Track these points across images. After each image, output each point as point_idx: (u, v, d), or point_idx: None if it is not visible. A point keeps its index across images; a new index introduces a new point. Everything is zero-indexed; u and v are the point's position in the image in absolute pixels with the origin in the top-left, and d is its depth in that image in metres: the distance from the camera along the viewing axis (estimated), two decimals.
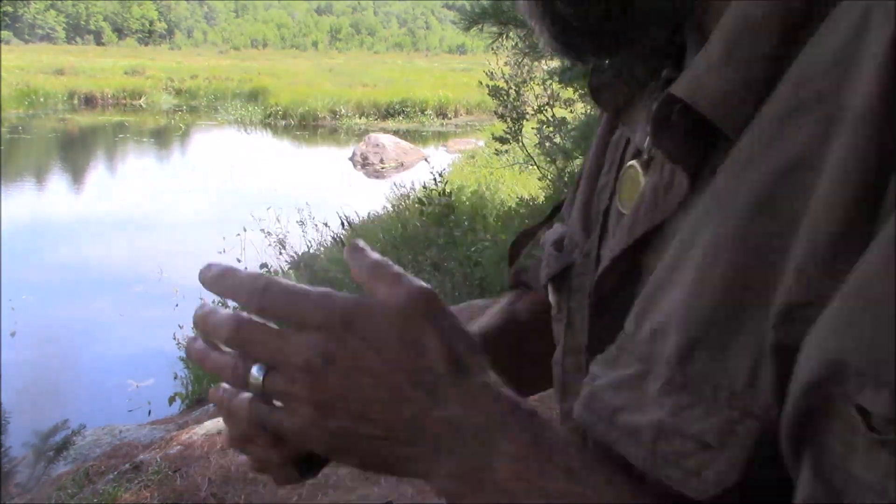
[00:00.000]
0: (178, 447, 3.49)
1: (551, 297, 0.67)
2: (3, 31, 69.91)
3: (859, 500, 0.34)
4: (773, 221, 0.39)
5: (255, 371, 0.44)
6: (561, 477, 0.41)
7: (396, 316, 0.44)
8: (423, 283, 0.45)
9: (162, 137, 23.01)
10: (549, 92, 7.28)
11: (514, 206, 8.10)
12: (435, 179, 7.01)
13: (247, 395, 0.47)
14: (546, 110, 7.10)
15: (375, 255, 0.48)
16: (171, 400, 5.85)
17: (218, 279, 0.47)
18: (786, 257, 0.38)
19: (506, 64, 7.26)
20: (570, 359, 0.62)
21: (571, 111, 7.42)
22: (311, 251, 7.97)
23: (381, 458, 0.44)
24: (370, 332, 0.43)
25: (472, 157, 14.25)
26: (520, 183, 9.69)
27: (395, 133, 19.87)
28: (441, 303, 0.46)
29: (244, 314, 0.46)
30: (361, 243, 0.49)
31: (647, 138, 0.53)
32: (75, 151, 20.23)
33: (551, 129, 6.97)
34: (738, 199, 0.40)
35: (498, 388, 0.45)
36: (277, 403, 0.46)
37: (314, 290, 0.45)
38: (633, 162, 0.56)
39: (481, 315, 0.81)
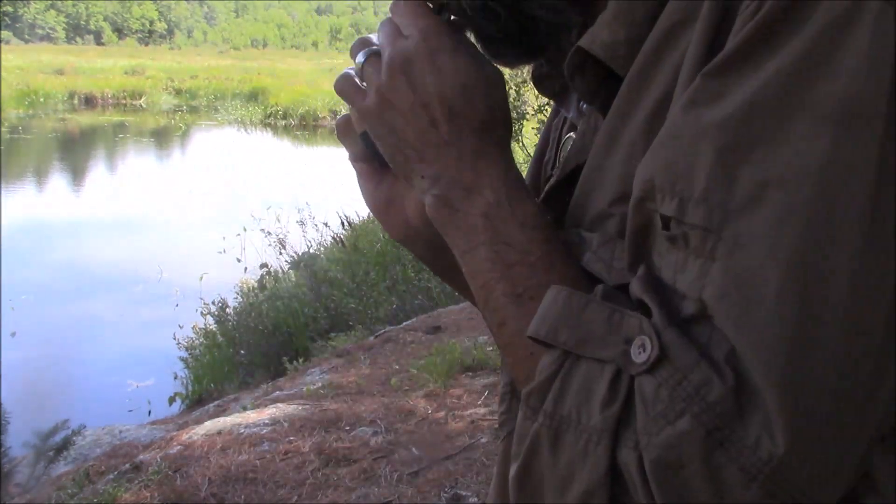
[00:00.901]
0: (178, 447, 3.49)
1: None
2: (3, 31, 69.90)
3: (666, 302, 0.44)
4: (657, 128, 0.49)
5: (360, 57, 0.61)
6: (516, 227, 0.54)
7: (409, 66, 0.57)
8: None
9: (162, 137, 23.02)
10: None
11: None
12: None
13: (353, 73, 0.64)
14: (546, 110, 7.11)
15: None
16: (171, 400, 5.85)
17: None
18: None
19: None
20: None
21: None
22: (311, 251, 7.95)
23: (397, 158, 0.59)
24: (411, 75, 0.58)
25: None
26: None
27: None
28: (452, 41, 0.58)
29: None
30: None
31: (580, 114, 0.64)
32: (75, 151, 20.24)
33: None
34: (637, 115, 0.52)
35: (491, 153, 0.58)
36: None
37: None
38: (570, 134, 0.66)
39: None
